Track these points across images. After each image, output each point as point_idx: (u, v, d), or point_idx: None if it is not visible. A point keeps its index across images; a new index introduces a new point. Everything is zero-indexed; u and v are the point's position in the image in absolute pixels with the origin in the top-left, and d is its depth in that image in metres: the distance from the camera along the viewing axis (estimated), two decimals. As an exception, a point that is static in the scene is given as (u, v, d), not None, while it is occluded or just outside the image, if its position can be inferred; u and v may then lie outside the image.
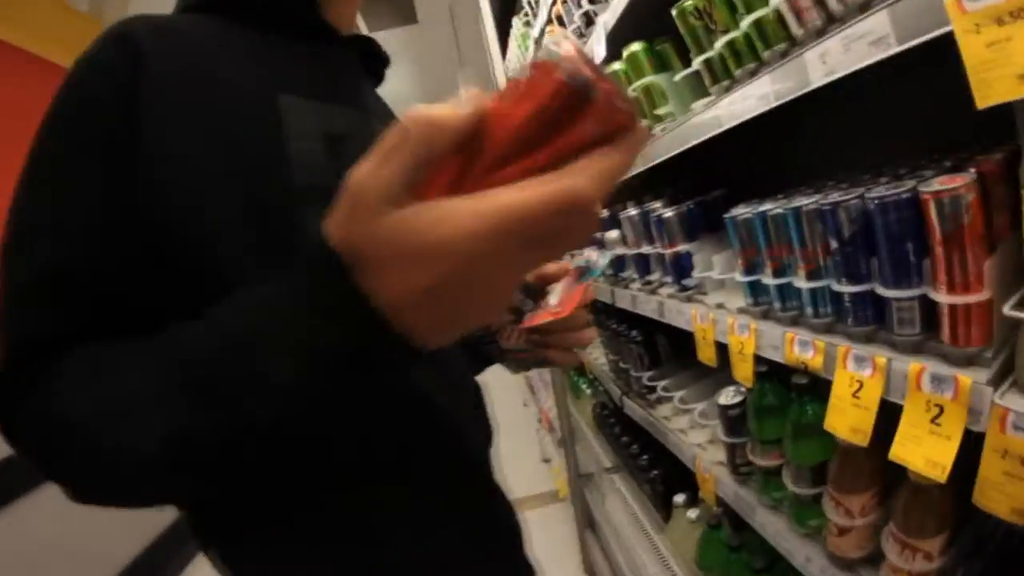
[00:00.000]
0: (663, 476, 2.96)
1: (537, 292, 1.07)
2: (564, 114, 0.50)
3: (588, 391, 4.44)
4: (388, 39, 8.71)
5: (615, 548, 3.34)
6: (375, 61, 1.26)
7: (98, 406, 0.67)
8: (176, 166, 0.80)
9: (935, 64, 1.15)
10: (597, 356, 3.69)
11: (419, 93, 11.71)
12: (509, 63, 4.31)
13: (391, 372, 0.61)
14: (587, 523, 4.17)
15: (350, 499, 0.91)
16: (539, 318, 0.98)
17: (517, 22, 4.24)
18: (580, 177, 0.48)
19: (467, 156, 0.52)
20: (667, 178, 2.52)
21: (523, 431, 7.04)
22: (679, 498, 2.66)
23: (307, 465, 0.71)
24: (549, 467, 5.78)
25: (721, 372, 1.90)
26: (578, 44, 0.50)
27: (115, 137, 0.79)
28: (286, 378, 0.58)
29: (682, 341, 2.66)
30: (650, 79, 2.02)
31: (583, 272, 1.05)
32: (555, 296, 0.99)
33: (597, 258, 1.06)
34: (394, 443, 0.95)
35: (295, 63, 1.00)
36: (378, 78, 1.31)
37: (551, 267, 1.10)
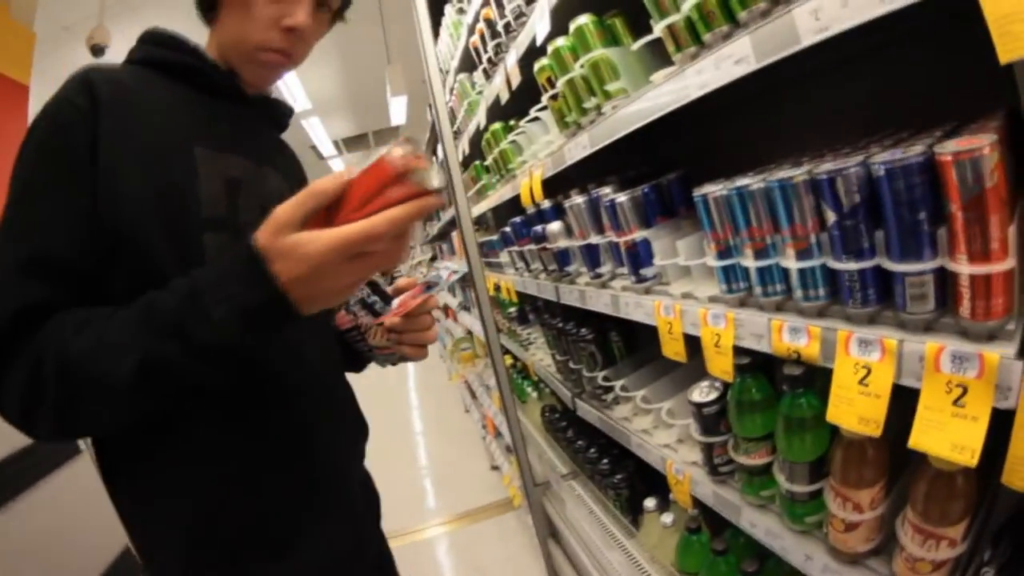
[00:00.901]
0: (627, 480, 2.83)
1: (390, 299, 1.53)
2: (388, 184, 0.97)
3: (534, 394, 4.33)
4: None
5: (583, 556, 3.20)
6: (280, 115, 1.68)
7: (82, 349, 1.01)
8: (122, 188, 1.14)
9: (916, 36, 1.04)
10: (541, 357, 3.57)
11: (346, 93, 11.57)
12: (440, 53, 4.12)
13: (281, 324, 1.03)
14: (549, 532, 4.04)
15: (206, 437, 1.27)
16: (386, 317, 1.50)
17: (450, 10, 4.11)
18: (379, 221, 0.94)
19: (338, 205, 0.99)
20: (607, 164, 2.40)
21: (468, 438, 6.98)
22: (650, 503, 2.53)
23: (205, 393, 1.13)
24: (500, 475, 5.63)
25: (685, 366, 1.84)
26: (409, 149, 0.96)
27: (81, 158, 1.12)
28: (222, 316, 0.98)
29: (636, 336, 2.55)
30: (599, 53, 1.86)
31: (429, 285, 1.49)
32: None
33: (447, 275, 1.52)
34: (257, 386, 1.32)
35: (210, 119, 1.36)
36: (282, 127, 1.72)
37: (402, 281, 1.56)
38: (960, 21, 0.94)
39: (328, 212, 0.98)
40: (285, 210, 0.95)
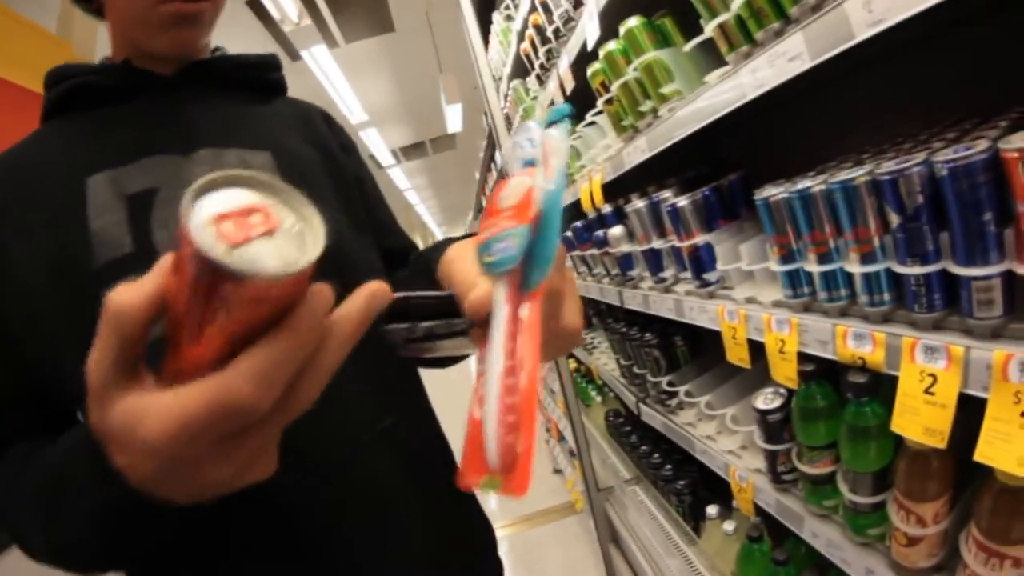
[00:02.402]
0: (690, 486, 2.81)
1: (449, 300, 0.72)
2: (210, 292, 0.45)
3: (598, 398, 4.31)
4: (365, 49, 8.62)
5: (643, 563, 3.17)
6: (244, 71, 1.28)
7: (8, 519, 0.88)
8: (11, 281, 0.96)
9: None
10: (605, 362, 3.56)
11: (401, 102, 11.63)
12: (492, 60, 4.12)
13: (153, 517, 0.68)
14: (610, 537, 4.00)
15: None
16: (498, 414, 0.56)
17: (498, 17, 4.12)
18: (236, 379, 0.47)
19: (170, 325, 0.51)
20: (665, 165, 2.32)
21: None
22: (712, 510, 2.49)
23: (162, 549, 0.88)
24: (562, 478, 5.61)
25: (749, 372, 1.80)
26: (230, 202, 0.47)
27: None
28: (84, 519, 0.71)
29: (701, 341, 2.52)
30: (652, 55, 1.84)
31: (522, 278, 0.62)
32: (495, 347, 0.58)
33: (510, 244, 0.59)
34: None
35: (108, 133, 1.09)
36: (258, 85, 1.31)
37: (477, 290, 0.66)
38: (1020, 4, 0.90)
39: (174, 331, 0.51)
40: (91, 361, 0.52)
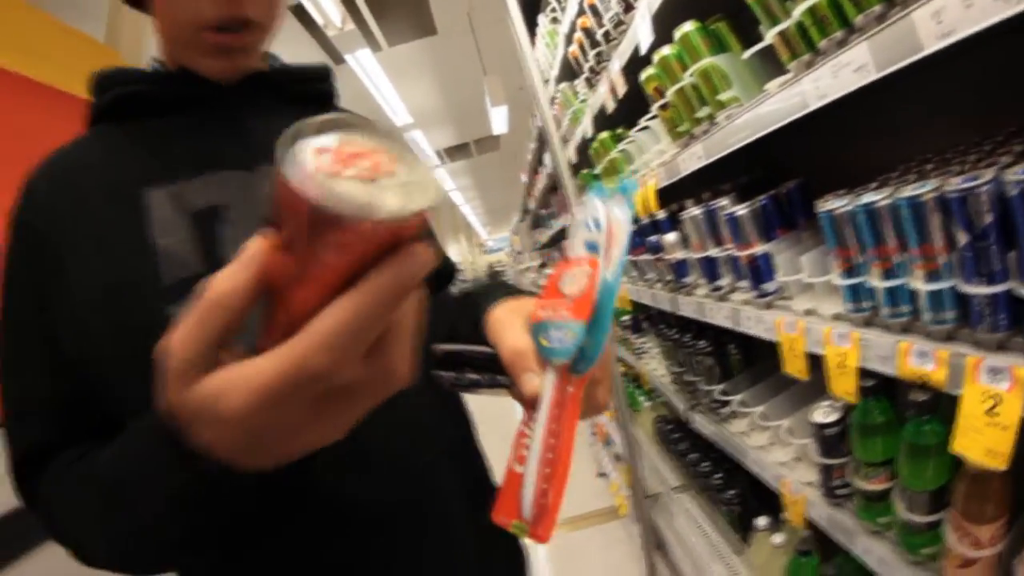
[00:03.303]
0: (740, 496, 2.78)
1: (492, 358, 0.77)
2: (320, 238, 0.45)
3: (647, 404, 4.29)
4: (408, 52, 8.65)
5: (688, 571, 3.15)
6: (301, 84, 1.25)
7: (66, 523, 0.89)
8: (68, 294, 0.95)
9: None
10: (655, 367, 3.54)
11: (445, 104, 11.67)
12: (538, 62, 4.10)
13: (237, 490, 0.66)
14: (655, 543, 3.96)
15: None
16: (537, 475, 0.65)
17: (543, 20, 4.11)
18: (308, 347, 0.47)
19: (272, 302, 0.52)
20: (718, 170, 2.26)
21: (576, 445, 6.92)
22: (761, 521, 2.46)
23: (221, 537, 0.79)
24: (606, 482, 5.57)
25: (803, 383, 1.77)
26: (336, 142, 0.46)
27: (33, 279, 0.97)
28: (160, 507, 0.69)
29: (754, 349, 2.49)
30: (708, 61, 1.82)
31: (570, 365, 0.68)
32: (540, 421, 0.67)
33: (566, 337, 0.66)
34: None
35: (166, 145, 1.05)
36: (313, 99, 1.27)
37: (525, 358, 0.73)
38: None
39: (267, 313, 0.54)
40: (177, 348, 0.53)
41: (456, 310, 1.15)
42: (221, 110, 1.10)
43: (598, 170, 3.51)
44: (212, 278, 0.52)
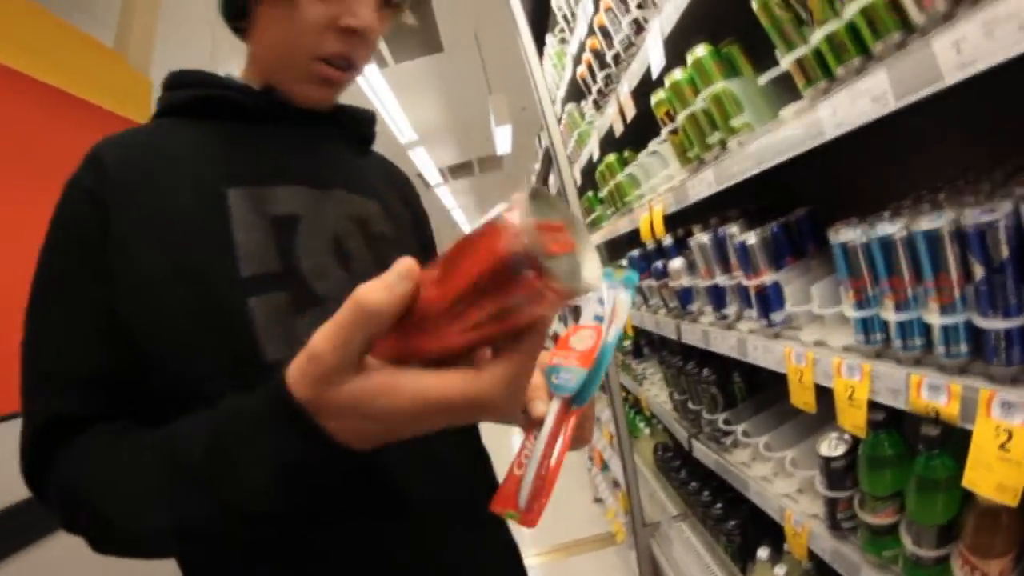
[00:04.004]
0: (741, 526, 2.75)
1: None
2: (494, 284, 0.57)
3: (646, 430, 4.26)
4: (414, 69, 8.68)
5: (686, 601, 3.10)
6: (356, 125, 1.37)
7: (107, 490, 0.86)
8: (136, 271, 0.97)
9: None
10: (656, 393, 3.52)
11: (449, 122, 11.70)
12: (546, 82, 4.10)
13: (339, 477, 0.74)
14: (652, 573, 3.93)
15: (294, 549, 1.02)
16: (533, 477, 0.83)
17: (552, 40, 4.11)
18: (492, 383, 0.62)
19: (408, 321, 0.63)
20: (727, 195, 2.25)
21: (571, 468, 6.89)
22: (763, 552, 2.42)
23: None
24: (602, 508, 5.54)
25: (807, 414, 1.74)
26: (526, 212, 0.55)
27: (93, 249, 0.98)
28: (259, 483, 0.73)
29: (758, 378, 2.47)
30: (721, 86, 1.80)
31: (571, 400, 0.87)
32: (540, 439, 0.85)
33: (572, 378, 0.87)
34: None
35: (247, 150, 1.13)
36: (363, 139, 1.40)
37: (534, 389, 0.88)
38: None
39: (406, 326, 0.64)
40: (331, 350, 0.62)
41: None
42: (297, 129, 1.20)
43: (603, 193, 3.50)
44: (363, 287, 0.61)
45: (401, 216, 1.33)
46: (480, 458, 1.35)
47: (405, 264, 0.62)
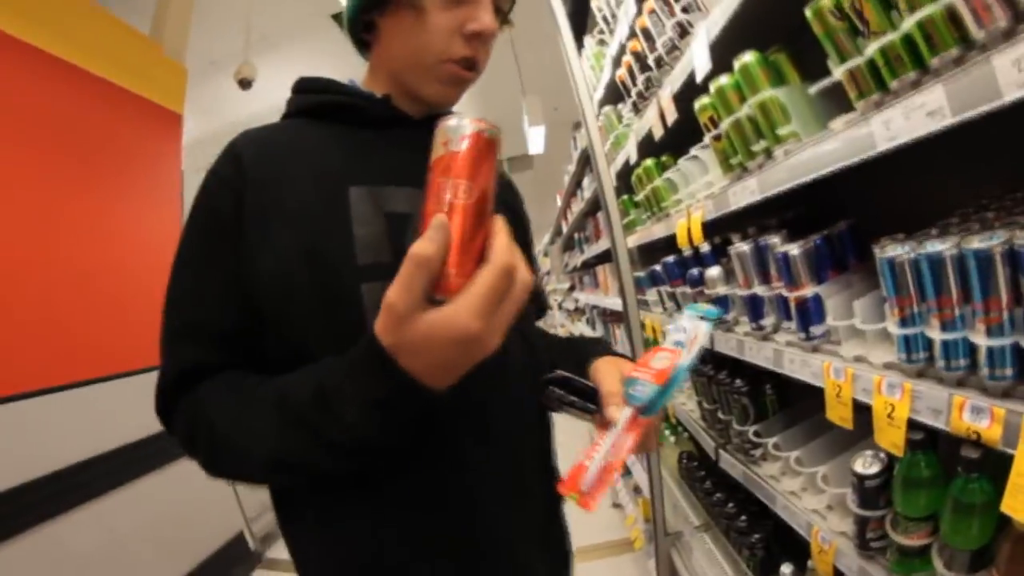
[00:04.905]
0: (764, 540, 2.72)
1: (591, 390, 1.18)
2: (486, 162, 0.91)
3: (671, 438, 4.23)
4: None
5: (705, 612, 3.07)
6: None
7: (226, 427, 1.07)
8: (267, 256, 1.14)
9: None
10: (683, 401, 3.49)
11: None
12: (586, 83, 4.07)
13: (423, 412, 0.96)
14: (671, 580, 3.89)
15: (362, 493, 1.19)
16: (597, 468, 1.03)
17: (590, 41, 4.09)
18: (465, 307, 0.86)
19: (452, 256, 0.86)
20: (765, 204, 2.24)
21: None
22: (786, 568, 2.38)
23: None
24: (621, 513, 5.51)
25: (839, 430, 1.72)
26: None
27: (228, 230, 1.16)
28: (355, 418, 0.95)
29: (789, 391, 2.45)
30: (768, 94, 1.78)
31: (641, 410, 1.09)
32: (610, 437, 1.06)
33: (645, 391, 1.08)
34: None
35: (367, 153, 1.28)
36: None
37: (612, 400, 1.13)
38: None
39: (450, 263, 0.86)
40: (399, 298, 0.86)
41: (560, 350, 1.52)
42: (411, 135, 1.26)
43: (639, 197, 3.47)
44: (414, 244, 0.83)
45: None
46: (543, 442, 1.49)
47: (438, 219, 0.85)
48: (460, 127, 0.91)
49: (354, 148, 1.28)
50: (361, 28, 1.34)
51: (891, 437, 1.43)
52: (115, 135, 4.17)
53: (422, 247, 0.83)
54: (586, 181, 6.06)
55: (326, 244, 1.16)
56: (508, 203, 1.52)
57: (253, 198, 1.16)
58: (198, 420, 1.12)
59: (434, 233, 0.84)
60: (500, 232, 0.91)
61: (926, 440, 1.42)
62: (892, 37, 1.26)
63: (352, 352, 0.97)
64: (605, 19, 3.66)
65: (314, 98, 1.34)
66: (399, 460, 1.14)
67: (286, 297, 1.13)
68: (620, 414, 1.06)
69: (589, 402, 1.16)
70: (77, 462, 3.63)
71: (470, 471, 1.24)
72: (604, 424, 1.08)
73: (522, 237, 1.47)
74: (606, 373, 1.19)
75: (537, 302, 1.65)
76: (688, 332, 1.14)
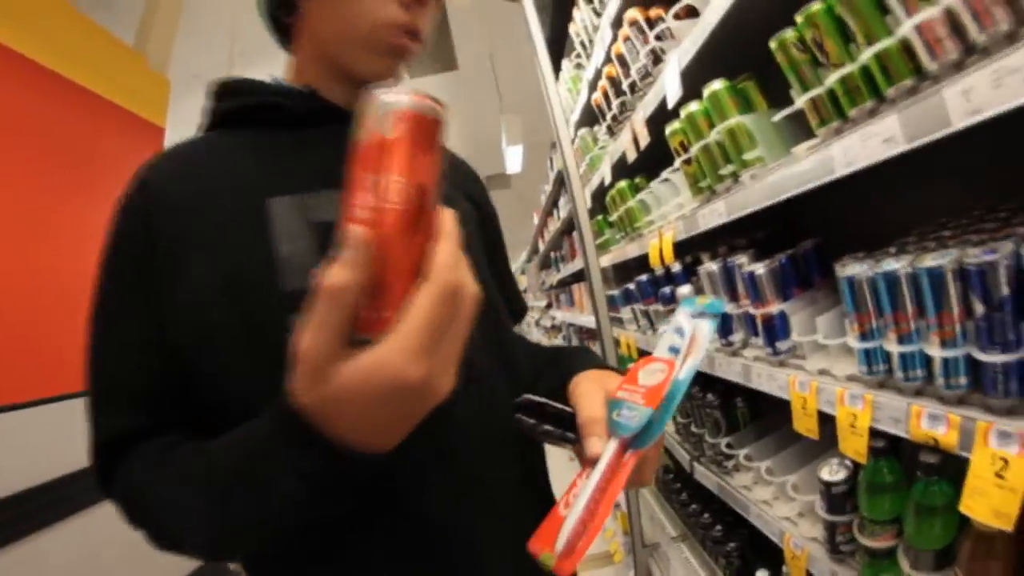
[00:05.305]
0: (740, 549, 2.76)
1: (569, 417, 0.90)
2: (428, 143, 0.69)
3: (646, 451, 4.26)
4: (428, 86, 8.71)
5: (684, 622, 3.11)
6: None
7: (158, 504, 0.92)
8: (182, 288, 0.98)
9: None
10: (659, 416, 3.47)
11: (460, 139, 11.71)
12: (562, 106, 4.14)
13: (369, 472, 0.76)
14: (649, 593, 3.93)
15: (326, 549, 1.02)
16: (576, 520, 0.74)
17: (567, 64, 4.15)
18: (400, 345, 0.65)
19: (378, 282, 0.65)
20: (734, 223, 2.30)
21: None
22: (761, 574, 2.45)
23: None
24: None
25: (807, 439, 1.78)
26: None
27: (143, 268, 1.00)
28: (289, 489, 0.77)
29: (760, 403, 2.50)
30: (735, 120, 1.86)
31: (630, 441, 0.82)
32: (591, 478, 0.78)
33: (634, 417, 0.82)
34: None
35: (289, 157, 1.10)
36: None
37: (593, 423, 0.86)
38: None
39: (376, 285, 0.65)
40: (312, 343, 0.65)
41: (545, 361, 1.33)
42: (342, 131, 1.05)
43: (613, 217, 3.54)
44: (326, 272, 0.63)
45: (464, 211, 1.27)
46: (532, 481, 1.28)
47: (356, 235, 0.63)
48: (391, 103, 0.67)
49: (273, 153, 1.10)
50: (280, 8, 1.18)
51: (855, 445, 1.49)
52: (96, 146, 4.11)
53: (336, 276, 0.63)
54: (562, 201, 6.12)
55: (247, 270, 0.98)
56: (469, 194, 1.38)
57: (165, 226, 1.00)
58: (132, 500, 0.98)
59: (351, 255, 0.63)
60: (444, 238, 0.69)
61: (888, 447, 1.48)
62: (851, 68, 1.34)
63: (271, 412, 0.77)
64: (583, 44, 3.73)
65: (228, 104, 1.16)
66: (357, 515, 0.98)
67: (206, 337, 0.97)
68: (603, 447, 0.80)
69: (568, 430, 0.89)
70: (63, 475, 3.61)
71: (438, 515, 1.04)
72: (585, 462, 0.82)
73: (489, 236, 1.39)
74: (586, 394, 0.93)
75: (513, 303, 1.47)
76: (685, 335, 0.90)
